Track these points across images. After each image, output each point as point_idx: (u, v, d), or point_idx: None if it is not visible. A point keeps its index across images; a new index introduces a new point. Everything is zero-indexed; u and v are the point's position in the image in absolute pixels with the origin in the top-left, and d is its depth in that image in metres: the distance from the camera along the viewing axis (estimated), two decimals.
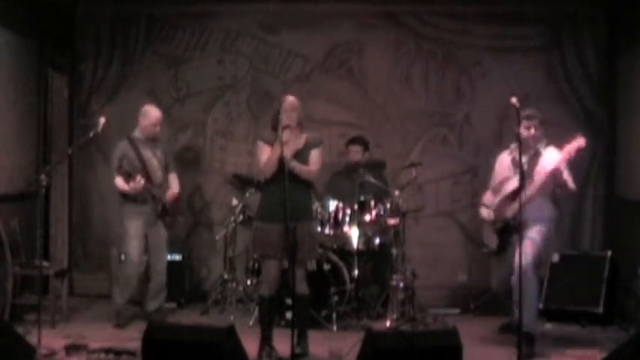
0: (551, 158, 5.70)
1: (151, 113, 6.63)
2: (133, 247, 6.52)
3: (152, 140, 6.66)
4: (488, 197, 6.19)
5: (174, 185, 6.77)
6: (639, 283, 6.49)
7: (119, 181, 6.45)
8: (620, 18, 7.54)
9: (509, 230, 5.84)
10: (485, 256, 7.56)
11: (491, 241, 6.06)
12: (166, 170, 6.75)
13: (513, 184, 5.75)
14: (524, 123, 5.67)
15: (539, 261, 5.88)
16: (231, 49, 7.98)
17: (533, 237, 5.74)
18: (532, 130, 5.81)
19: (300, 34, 7.93)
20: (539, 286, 6.12)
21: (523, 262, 5.30)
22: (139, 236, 6.54)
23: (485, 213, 6.11)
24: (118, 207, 6.71)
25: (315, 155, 5.59)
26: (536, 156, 5.83)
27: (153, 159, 6.63)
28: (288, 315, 6.15)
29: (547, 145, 5.88)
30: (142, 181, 6.37)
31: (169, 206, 6.70)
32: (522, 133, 5.60)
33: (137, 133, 6.64)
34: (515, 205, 5.58)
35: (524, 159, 5.58)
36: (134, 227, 6.52)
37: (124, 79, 8.00)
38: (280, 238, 5.40)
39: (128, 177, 6.35)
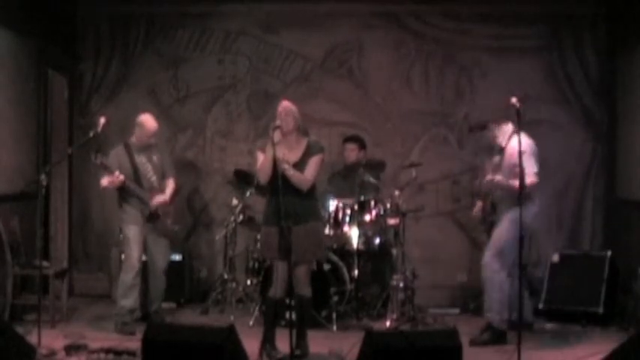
0: (511, 150, 5.83)
1: (147, 125, 6.51)
2: (134, 252, 6.44)
3: (148, 146, 6.57)
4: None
5: (167, 191, 6.64)
6: (639, 283, 6.49)
7: (102, 179, 6.39)
8: (620, 18, 7.54)
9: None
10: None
11: (478, 207, 6.33)
12: (163, 176, 6.66)
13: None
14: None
15: (501, 249, 5.94)
16: (231, 49, 7.99)
17: (501, 227, 5.93)
18: (491, 133, 6.06)
19: (300, 34, 7.94)
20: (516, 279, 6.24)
21: (486, 252, 5.91)
22: (139, 241, 6.47)
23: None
24: (117, 213, 6.64)
25: (312, 163, 5.52)
26: (501, 152, 6.01)
27: (147, 164, 6.55)
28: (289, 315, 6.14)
29: (511, 132, 5.94)
30: (121, 177, 6.28)
31: (158, 210, 6.53)
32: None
33: (133, 139, 6.56)
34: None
35: (496, 159, 5.96)
36: (133, 232, 6.46)
37: (124, 79, 8.01)
38: (279, 240, 5.38)
39: (105, 170, 6.27)
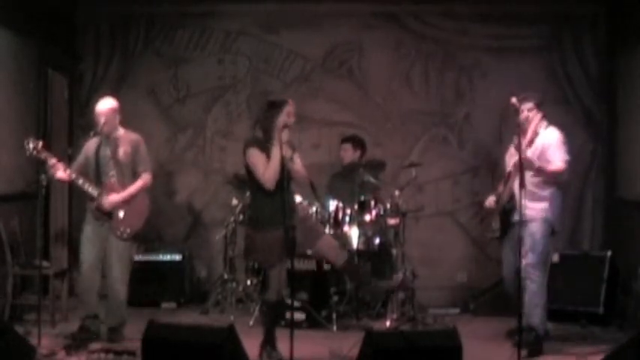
0: (543, 141, 5.76)
1: (95, 110, 6.03)
2: (85, 255, 6.03)
3: (110, 136, 6.09)
4: (500, 186, 6.17)
5: (127, 190, 6.04)
6: (639, 283, 6.49)
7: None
8: (620, 18, 7.54)
9: (507, 213, 5.90)
10: (485, 256, 7.63)
11: (496, 224, 6.10)
12: (135, 171, 6.12)
13: (508, 168, 5.91)
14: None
15: (544, 252, 5.86)
16: (231, 49, 7.99)
17: (532, 232, 5.75)
18: (525, 113, 5.75)
19: (300, 34, 7.94)
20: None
21: (523, 261, 5.44)
22: (94, 243, 6.05)
23: (487, 201, 6.17)
24: None
25: (298, 160, 5.49)
26: (533, 139, 5.81)
27: (109, 158, 6.09)
28: (288, 315, 6.12)
29: (547, 126, 5.85)
30: (55, 162, 5.88)
31: (108, 209, 6.01)
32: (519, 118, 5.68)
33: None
34: (508, 189, 5.81)
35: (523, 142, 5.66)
36: (89, 231, 6.08)
37: (123, 79, 8.00)
38: (283, 243, 5.28)
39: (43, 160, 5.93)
